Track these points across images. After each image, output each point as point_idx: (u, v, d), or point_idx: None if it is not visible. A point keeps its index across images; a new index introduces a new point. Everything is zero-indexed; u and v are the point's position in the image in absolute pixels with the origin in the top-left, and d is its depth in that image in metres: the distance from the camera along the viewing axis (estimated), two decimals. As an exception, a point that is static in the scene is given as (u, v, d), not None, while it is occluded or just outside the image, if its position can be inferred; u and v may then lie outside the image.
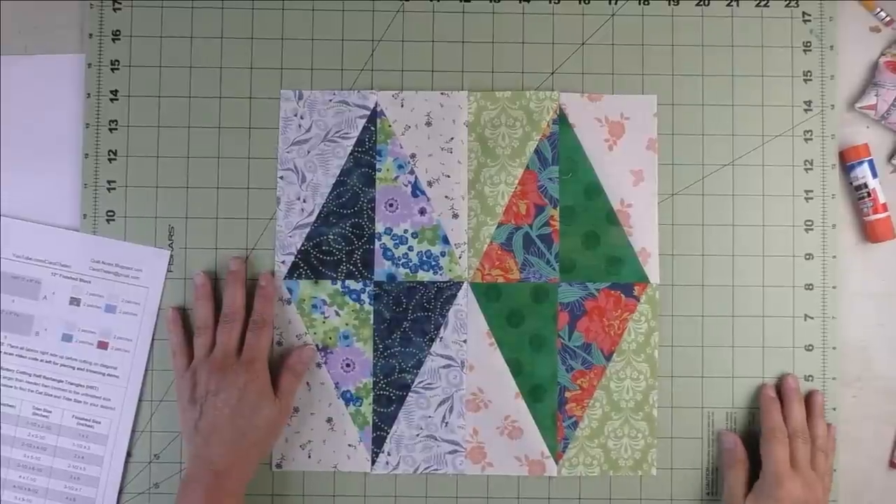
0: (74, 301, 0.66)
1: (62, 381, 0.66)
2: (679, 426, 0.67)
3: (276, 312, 0.66)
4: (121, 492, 0.65)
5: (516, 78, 0.68)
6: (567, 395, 0.66)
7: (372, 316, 0.66)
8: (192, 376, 0.62)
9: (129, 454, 0.66)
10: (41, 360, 0.66)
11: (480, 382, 0.66)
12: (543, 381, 0.66)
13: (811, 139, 0.68)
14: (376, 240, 0.67)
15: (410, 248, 0.67)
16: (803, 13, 0.68)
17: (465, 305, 0.66)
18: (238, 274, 0.65)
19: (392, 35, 0.67)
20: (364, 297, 0.66)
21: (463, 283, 0.67)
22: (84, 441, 0.65)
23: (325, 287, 0.66)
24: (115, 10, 0.67)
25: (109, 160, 0.67)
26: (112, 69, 0.67)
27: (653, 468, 0.66)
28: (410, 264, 0.67)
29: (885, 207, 0.65)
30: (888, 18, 0.68)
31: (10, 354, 0.66)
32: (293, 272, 0.66)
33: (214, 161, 0.67)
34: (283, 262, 0.66)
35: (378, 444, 0.66)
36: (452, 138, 0.67)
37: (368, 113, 0.67)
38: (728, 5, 0.68)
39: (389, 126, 0.67)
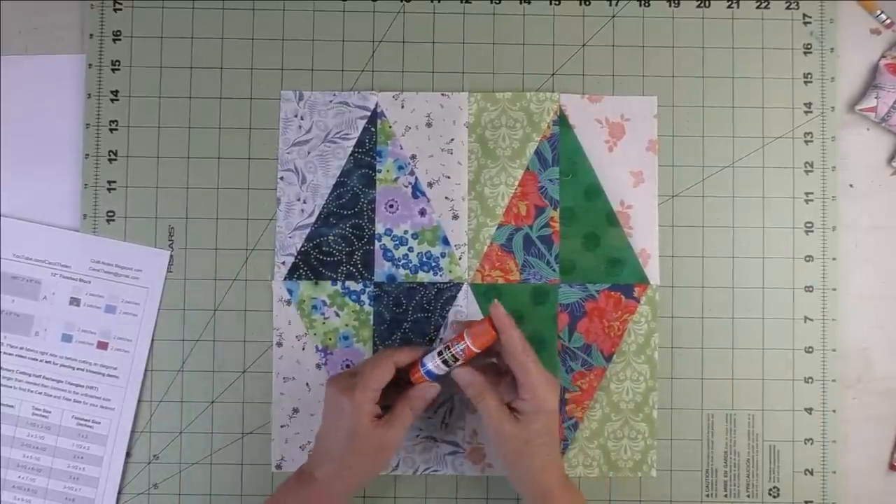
0: (74, 301, 0.66)
1: (62, 382, 0.66)
2: (679, 428, 0.67)
3: (276, 313, 0.66)
4: (120, 492, 0.65)
5: (517, 79, 0.68)
6: (567, 396, 0.66)
7: (372, 317, 0.66)
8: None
9: (128, 454, 0.66)
10: (41, 361, 0.66)
11: (480, 383, 0.66)
12: (543, 383, 0.66)
13: (811, 141, 0.68)
14: (376, 241, 0.67)
15: (410, 249, 0.67)
16: (804, 15, 0.68)
17: (465, 306, 0.66)
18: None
19: (392, 36, 0.67)
20: (364, 298, 0.66)
21: (463, 284, 0.67)
22: (83, 441, 0.65)
23: (325, 288, 0.66)
24: (115, 10, 0.67)
25: (110, 160, 0.67)
26: (113, 69, 0.67)
27: (652, 469, 0.66)
28: (410, 265, 0.67)
29: None
30: (888, 21, 0.68)
31: (10, 354, 0.66)
32: (293, 273, 0.66)
33: (215, 161, 0.67)
34: (283, 263, 0.66)
35: (378, 445, 0.66)
36: (453, 139, 0.67)
37: (369, 114, 0.67)
38: (728, 7, 0.68)
39: (390, 127, 0.67)
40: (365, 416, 0.58)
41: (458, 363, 0.59)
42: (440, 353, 0.59)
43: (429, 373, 0.59)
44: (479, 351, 0.58)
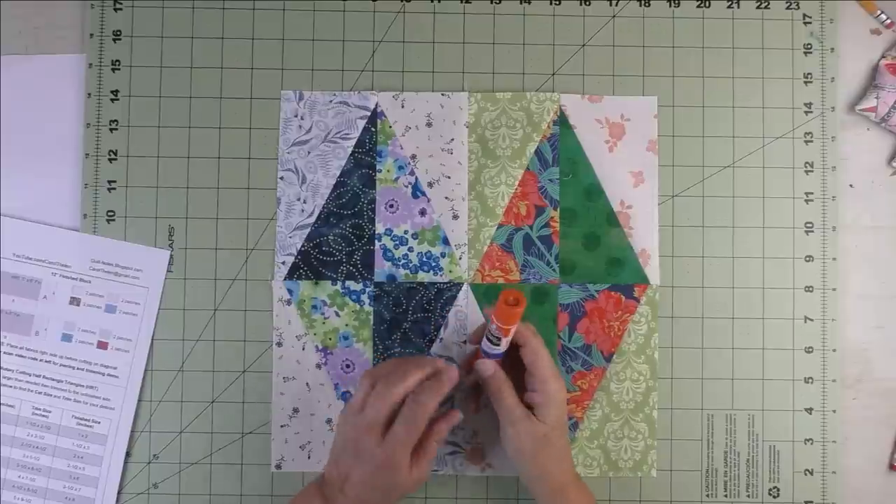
0: (74, 301, 0.66)
1: (62, 381, 0.66)
2: (679, 428, 0.67)
3: (276, 313, 0.66)
4: (120, 492, 0.65)
5: (517, 79, 0.68)
6: (567, 396, 0.66)
7: (372, 317, 0.66)
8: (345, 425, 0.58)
9: (128, 454, 0.66)
10: (41, 360, 0.66)
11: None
12: (543, 383, 0.66)
13: (811, 141, 0.68)
14: (376, 241, 0.67)
15: (410, 249, 0.67)
16: (804, 15, 0.68)
17: (465, 306, 0.66)
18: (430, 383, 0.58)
19: (393, 36, 0.67)
20: (364, 297, 0.66)
21: (463, 284, 0.67)
22: (83, 441, 0.65)
23: (326, 288, 0.66)
24: (116, 10, 0.67)
25: (110, 160, 0.67)
26: (113, 69, 0.67)
27: (652, 469, 0.66)
28: (410, 265, 0.67)
29: None
30: (889, 21, 0.68)
31: (10, 354, 0.66)
32: (293, 273, 0.66)
33: (215, 161, 0.67)
34: (283, 263, 0.66)
35: (378, 444, 0.66)
36: (453, 139, 0.67)
37: (369, 114, 0.67)
38: (729, 7, 0.68)
39: (390, 127, 0.67)
40: (404, 471, 0.57)
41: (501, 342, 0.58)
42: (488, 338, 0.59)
43: (484, 353, 0.60)
44: (510, 327, 0.57)
